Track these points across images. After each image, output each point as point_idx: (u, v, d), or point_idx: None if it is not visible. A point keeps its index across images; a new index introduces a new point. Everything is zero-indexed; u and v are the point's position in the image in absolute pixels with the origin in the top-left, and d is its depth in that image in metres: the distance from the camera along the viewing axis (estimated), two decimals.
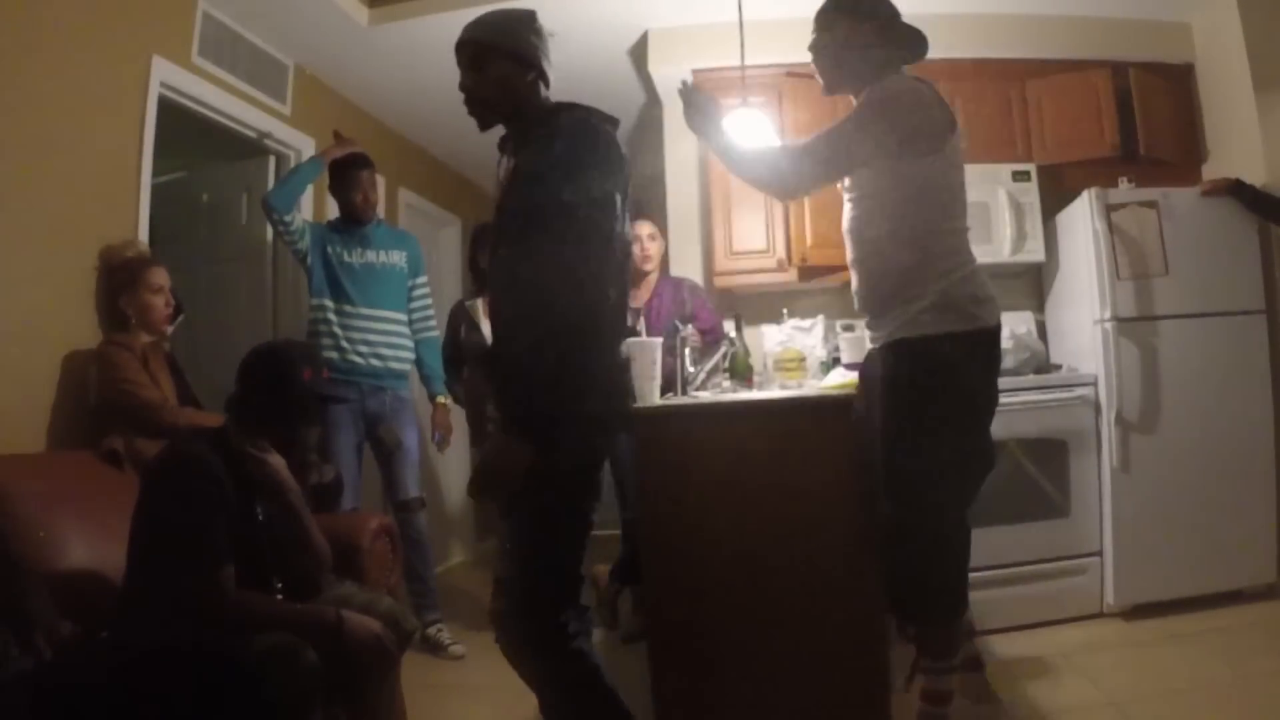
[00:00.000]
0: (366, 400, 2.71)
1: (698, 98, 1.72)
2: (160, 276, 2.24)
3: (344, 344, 2.69)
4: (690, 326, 2.62)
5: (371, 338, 2.74)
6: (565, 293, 1.29)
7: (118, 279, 2.22)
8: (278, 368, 1.61)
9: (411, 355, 2.90)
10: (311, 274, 2.72)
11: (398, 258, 2.87)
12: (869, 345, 1.79)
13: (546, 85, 1.49)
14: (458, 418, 3.11)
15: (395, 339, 2.82)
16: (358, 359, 2.70)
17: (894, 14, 1.73)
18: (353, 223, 2.80)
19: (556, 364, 1.28)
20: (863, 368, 1.86)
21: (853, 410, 1.77)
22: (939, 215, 1.63)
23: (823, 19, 1.74)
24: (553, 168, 1.34)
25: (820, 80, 1.78)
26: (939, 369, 1.56)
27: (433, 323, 3.01)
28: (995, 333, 1.63)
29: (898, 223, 1.61)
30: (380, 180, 3.02)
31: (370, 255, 2.80)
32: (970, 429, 1.62)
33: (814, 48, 1.76)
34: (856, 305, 1.77)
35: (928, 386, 1.56)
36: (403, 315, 2.88)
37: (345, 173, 2.79)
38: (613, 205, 1.36)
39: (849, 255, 1.76)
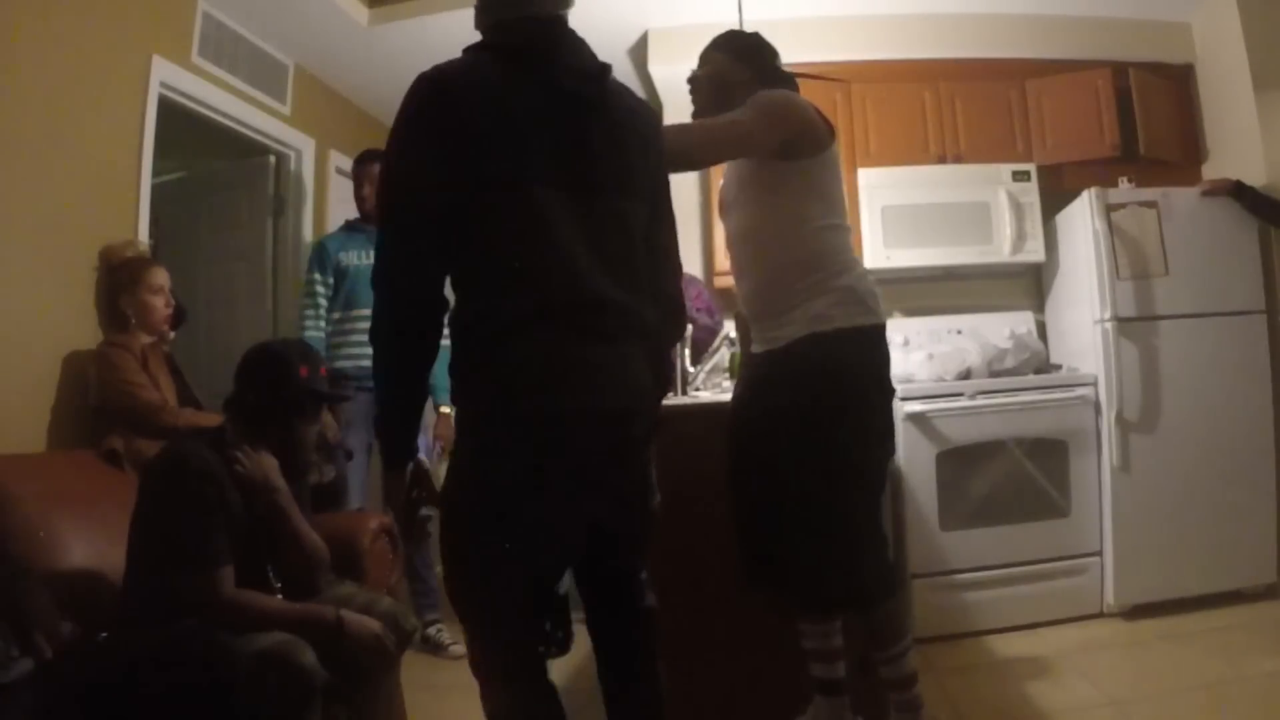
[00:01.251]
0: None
1: None
2: (160, 276, 2.24)
3: (357, 350, 2.68)
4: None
5: None
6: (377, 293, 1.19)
7: (118, 279, 2.22)
8: (274, 367, 1.61)
9: None
10: (330, 289, 2.74)
11: None
12: (756, 349, 1.77)
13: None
14: None
15: None
16: (370, 362, 2.69)
17: (771, 58, 1.76)
18: (366, 222, 2.79)
19: (383, 371, 1.23)
20: (749, 373, 1.81)
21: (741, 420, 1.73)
22: (831, 212, 1.65)
23: (705, 55, 1.78)
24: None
25: (694, 106, 1.79)
26: (859, 358, 1.59)
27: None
28: (885, 328, 1.67)
29: (796, 221, 1.63)
30: None
31: None
32: (886, 413, 1.66)
33: (692, 79, 1.78)
34: (749, 310, 1.77)
35: (854, 376, 1.58)
36: None
37: (355, 168, 2.81)
38: (426, 159, 1.11)
39: (740, 262, 1.76)
